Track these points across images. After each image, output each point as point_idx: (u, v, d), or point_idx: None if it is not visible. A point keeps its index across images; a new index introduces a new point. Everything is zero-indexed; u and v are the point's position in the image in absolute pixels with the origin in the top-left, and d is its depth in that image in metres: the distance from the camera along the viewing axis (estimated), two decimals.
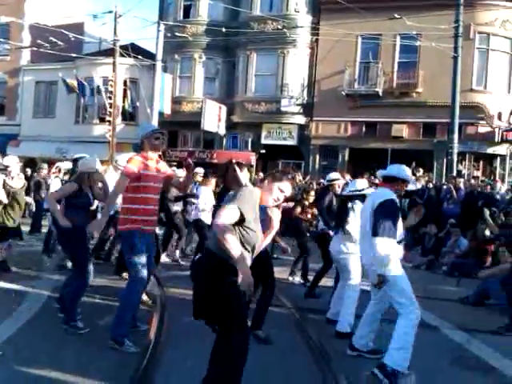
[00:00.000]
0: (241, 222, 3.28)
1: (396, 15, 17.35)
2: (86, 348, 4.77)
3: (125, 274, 6.94)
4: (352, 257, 5.56)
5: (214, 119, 21.18)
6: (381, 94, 20.26)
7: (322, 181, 14.30)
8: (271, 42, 21.23)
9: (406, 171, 4.74)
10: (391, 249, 4.25)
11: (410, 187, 5.28)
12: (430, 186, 12.81)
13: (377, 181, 6.94)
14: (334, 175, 7.53)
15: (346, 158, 21.13)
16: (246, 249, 3.34)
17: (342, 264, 5.75)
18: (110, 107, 20.69)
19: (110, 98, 20.85)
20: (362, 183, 5.89)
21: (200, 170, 10.33)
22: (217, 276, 3.31)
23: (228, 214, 3.25)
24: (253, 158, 20.66)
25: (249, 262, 3.38)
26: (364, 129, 20.86)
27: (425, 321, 6.19)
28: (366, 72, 20.80)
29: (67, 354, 4.57)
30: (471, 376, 4.57)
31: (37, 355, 4.47)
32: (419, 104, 19.77)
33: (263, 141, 21.64)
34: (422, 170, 14.57)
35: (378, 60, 20.52)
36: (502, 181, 18.12)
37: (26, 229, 11.76)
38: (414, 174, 13.82)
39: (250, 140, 21.99)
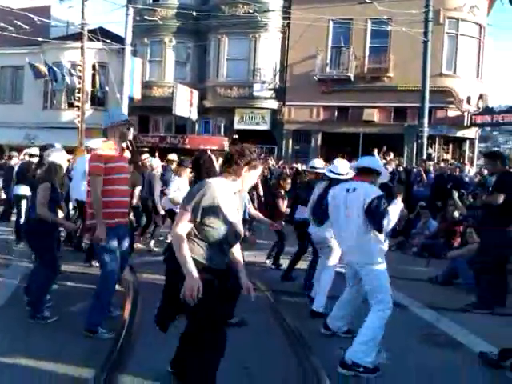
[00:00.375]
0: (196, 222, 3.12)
1: (367, 0, 17.39)
2: (58, 335, 4.73)
3: (94, 262, 6.88)
4: (334, 241, 5.48)
5: (185, 104, 21.00)
6: (352, 78, 20.37)
7: (294, 165, 14.37)
8: (242, 26, 21.08)
9: (377, 162, 4.77)
10: (382, 244, 4.40)
11: (383, 180, 5.24)
12: (401, 169, 12.98)
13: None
14: (318, 163, 7.01)
15: (319, 142, 21.25)
16: (212, 244, 3.19)
17: (328, 250, 5.76)
18: (79, 92, 20.27)
19: (78, 82, 20.42)
20: (344, 166, 5.62)
21: (173, 157, 10.22)
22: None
23: (181, 222, 3.11)
24: (225, 143, 20.60)
25: (230, 254, 3.35)
26: (336, 113, 20.99)
27: (395, 300, 6.32)
28: (338, 56, 20.87)
29: (38, 342, 4.52)
30: (440, 352, 4.69)
31: (7, 344, 4.41)
32: (390, 88, 19.97)
33: (236, 126, 21.58)
34: (392, 154, 14.74)
35: (349, 45, 20.60)
36: (471, 164, 18.54)
37: None
38: (384, 158, 14.00)
39: (222, 125, 21.91)
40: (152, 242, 9.45)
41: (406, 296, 6.51)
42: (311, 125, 21.20)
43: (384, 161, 13.32)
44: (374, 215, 4.23)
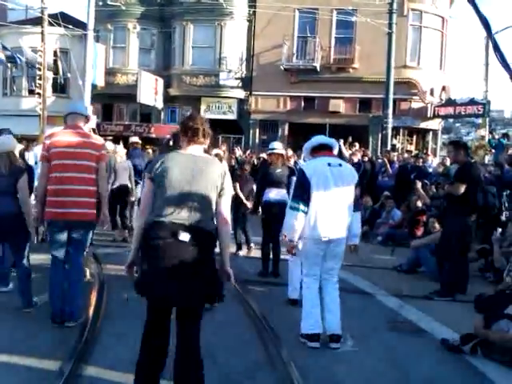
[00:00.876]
0: None
1: None
2: (23, 326, 4.65)
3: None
4: None
5: (150, 92, 20.69)
6: (318, 69, 20.46)
7: (262, 155, 14.35)
8: (208, 13, 20.88)
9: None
10: None
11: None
12: (366, 159, 13.14)
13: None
14: (277, 145, 7.40)
15: (286, 132, 21.30)
16: None
17: None
18: (40, 79, 19.67)
19: (39, 69, 19.81)
20: None
21: (136, 139, 10.06)
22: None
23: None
24: None
25: None
26: (303, 103, 21.07)
27: (360, 288, 6.48)
28: (304, 46, 20.91)
29: (3, 333, 4.42)
30: (404, 338, 4.80)
31: None
32: (355, 79, 20.16)
33: (202, 115, 21.30)
34: (357, 145, 14.91)
35: (315, 35, 20.65)
36: (434, 154, 18.92)
37: None
38: (350, 149, 14.15)
39: (188, 114, 21.66)
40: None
41: (371, 284, 6.65)
42: (278, 115, 21.22)
43: (350, 151, 13.47)
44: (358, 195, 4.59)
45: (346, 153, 13.06)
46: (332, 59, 20.63)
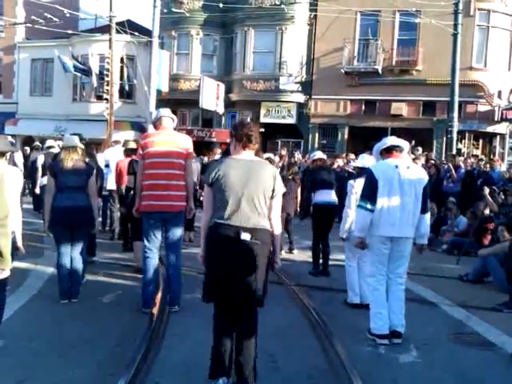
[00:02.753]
0: None
1: None
2: (88, 324, 4.85)
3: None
4: None
5: (212, 97, 21.02)
6: (380, 71, 20.10)
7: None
8: (269, 18, 20.97)
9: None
10: None
11: (359, 164, 6.02)
12: (430, 164, 12.77)
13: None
14: (319, 154, 8.02)
15: (346, 136, 21.04)
16: None
17: None
18: (108, 85, 20.48)
19: (107, 75, 20.63)
20: (370, 160, 5.85)
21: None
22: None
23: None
24: None
25: None
26: (363, 107, 20.75)
27: (424, 297, 6.31)
28: (366, 49, 20.59)
29: (70, 330, 4.64)
30: (470, 351, 4.62)
31: (39, 331, 4.51)
32: (419, 82, 19.64)
33: (262, 119, 21.49)
34: (421, 149, 14.53)
35: (377, 37, 20.29)
36: (502, 159, 18.13)
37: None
38: (413, 153, 13.80)
39: (248, 118, 21.84)
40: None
41: (436, 294, 6.45)
42: (338, 118, 21.01)
43: (412, 156, 13.14)
44: (425, 195, 4.66)
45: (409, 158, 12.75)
46: (394, 61, 20.21)
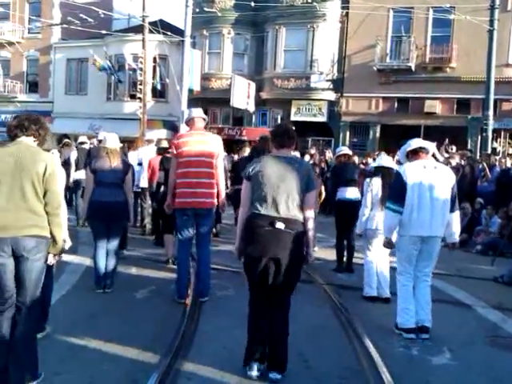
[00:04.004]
0: None
1: None
2: (123, 319, 4.94)
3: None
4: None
5: (243, 96, 21.10)
6: (413, 68, 19.81)
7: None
8: (300, 16, 20.90)
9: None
10: None
11: (376, 164, 6.25)
12: (464, 163, 12.50)
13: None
14: (345, 149, 8.01)
15: (378, 134, 20.83)
16: None
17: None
18: (141, 84, 20.77)
19: (140, 75, 20.92)
20: (387, 160, 6.19)
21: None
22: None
23: None
24: None
25: None
26: (396, 105, 20.50)
27: (458, 299, 6.20)
28: (398, 46, 20.33)
29: (105, 325, 4.75)
30: (506, 354, 4.53)
31: (75, 327, 4.62)
32: (453, 79, 19.29)
33: (292, 117, 21.46)
34: (455, 148, 14.25)
35: (410, 34, 20.02)
36: None
37: None
38: (446, 152, 13.55)
39: (279, 117, 21.84)
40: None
41: (470, 295, 6.32)
42: (370, 116, 20.81)
43: (446, 154, 12.92)
44: (455, 195, 4.76)
45: (440, 157, 12.54)
46: (428, 58, 19.89)
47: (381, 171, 5.96)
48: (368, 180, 6.04)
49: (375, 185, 5.88)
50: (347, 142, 21.11)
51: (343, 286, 6.56)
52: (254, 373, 3.72)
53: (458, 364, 4.22)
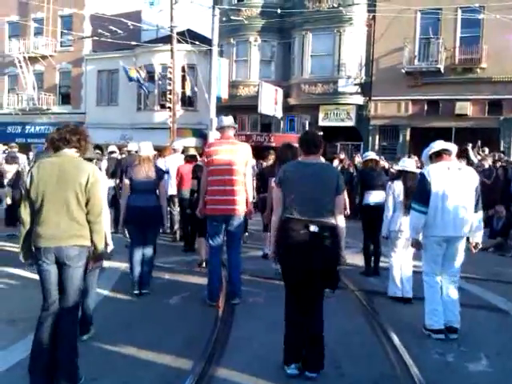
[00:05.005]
0: None
1: None
2: (157, 325, 5.02)
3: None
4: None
5: (270, 102, 21.16)
6: (443, 70, 19.54)
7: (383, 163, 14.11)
8: (327, 21, 20.88)
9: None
10: None
11: (399, 167, 6.41)
12: (498, 165, 12.25)
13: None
14: (372, 154, 8.12)
15: (408, 137, 20.58)
16: None
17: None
18: (170, 94, 21.06)
19: (169, 84, 21.22)
20: (410, 163, 6.36)
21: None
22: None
23: None
24: None
25: None
26: (426, 107, 20.23)
27: (495, 304, 6.07)
28: (427, 48, 20.08)
29: (139, 331, 4.82)
30: None
31: (110, 332, 4.70)
32: (484, 80, 18.94)
33: (321, 123, 21.42)
34: (487, 150, 13.99)
35: (438, 35, 19.75)
36: None
37: None
38: (479, 154, 13.33)
39: (307, 122, 21.82)
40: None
41: (507, 300, 6.17)
42: (399, 120, 20.59)
43: (479, 156, 12.70)
44: (478, 196, 4.79)
45: (475, 158, 12.33)
46: (457, 60, 19.58)
47: (403, 174, 6.11)
48: (390, 183, 6.24)
49: (397, 188, 6.05)
50: (376, 146, 20.94)
51: (375, 292, 6.50)
52: (293, 371, 3.84)
53: (494, 371, 4.14)
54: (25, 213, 3.60)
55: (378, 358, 4.32)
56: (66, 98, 29.37)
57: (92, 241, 3.61)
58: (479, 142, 13.83)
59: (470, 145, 12.73)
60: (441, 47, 19.59)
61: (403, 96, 20.30)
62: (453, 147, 5.01)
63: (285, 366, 3.89)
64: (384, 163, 14.52)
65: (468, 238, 4.92)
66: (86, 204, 3.55)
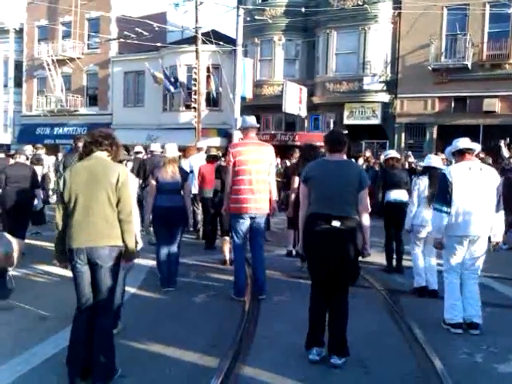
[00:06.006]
0: None
1: None
2: (184, 322, 5.08)
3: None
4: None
5: (294, 101, 21.13)
6: (470, 67, 19.21)
7: (411, 160, 13.98)
8: (351, 19, 20.74)
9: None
10: None
11: (425, 163, 6.53)
12: None
13: None
14: (391, 151, 8.42)
15: (434, 135, 20.30)
16: None
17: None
18: (195, 94, 21.21)
19: (194, 85, 21.38)
20: (436, 160, 6.48)
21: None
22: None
23: None
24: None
25: None
26: (453, 104, 19.92)
27: None
28: (454, 44, 19.76)
29: (166, 328, 4.89)
30: None
31: (137, 329, 4.78)
32: None
33: (345, 121, 21.29)
34: None
35: (465, 31, 19.42)
36: None
37: None
38: (510, 151, 13.04)
39: (331, 121, 21.72)
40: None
41: None
42: (425, 117, 20.33)
43: (508, 153, 12.45)
44: (499, 196, 4.85)
45: (507, 153, 12.10)
46: (485, 56, 19.23)
47: (429, 171, 6.20)
48: (415, 179, 6.38)
49: (422, 183, 6.16)
50: (402, 144, 20.72)
51: (400, 291, 6.45)
52: (314, 357, 4.03)
53: None
54: (59, 215, 3.72)
55: (404, 356, 4.30)
56: (93, 100, 29.87)
57: (123, 240, 3.69)
58: (508, 140, 13.54)
59: (503, 141, 12.50)
60: (468, 43, 19.26)
61: (430, 93, 20.04)
62: (476, 146, 5.05)
63: (307, 351, 4.07)
64: (412, 160, 14.41)
65: (489, 238, 4.96)
66: (117, 204, 3.64)
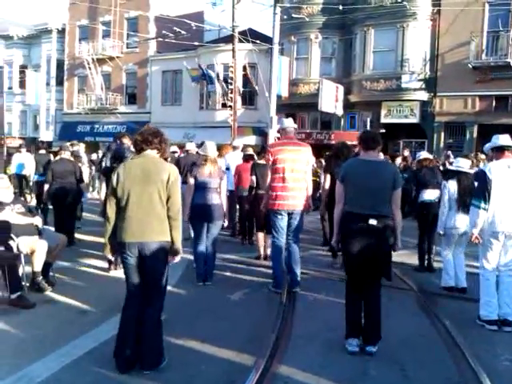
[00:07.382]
0: None
1: None
2: (221, 320, 5.13)
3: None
4: None
5: (331, 100, 20.99)
6: None
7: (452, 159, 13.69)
8: (389, 16, 20.43)
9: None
10: None
11: (453, 167, 6.66)
12: None
13: None
14: (423, 153, 8.52)
15: (475, 135, 19.83)
16: None
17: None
18: (231, 93, 21.33)
19: (230, 83, 21.50)
20: (465, 163, 6.56)
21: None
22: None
23: None
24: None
25: None
26: (494, 103, 19.41)
27: None
28: (495, 42, 19.25)
29: (203, 325, 4.96)
30: None
31: (175, 325, 4.81)
32: None
33: (383, 120, 21.02)
34: None
35: (508, 28, 18.88)
36: None
37: None
38: None
39: (368, 119, 21.47)
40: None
41: None
42: (465, 116, 19.87)
43: None
44: None
45: None
46: None
47: (458, 175, 6.34)
48: (445, 182, 6.51)
49: (451, 186, 6.30)
50: (442, 144, 20.34)
51: (436, 292, 6.36)
52: (353, 348, 4.21)
53: None
54: (110, 210, 3.87)
55: (444, 362, 4.22)
56: (132, 98, 30.42)
57: (171, 236, 3.84)
58: None
59: None
60: (510, 40, 18.73)
61: (470, 92, 19.57)
62: None
63: (346, 342, 4.25)
64: (452, 160, 14.11)
65: None
66: (167, 201, 3.79)
